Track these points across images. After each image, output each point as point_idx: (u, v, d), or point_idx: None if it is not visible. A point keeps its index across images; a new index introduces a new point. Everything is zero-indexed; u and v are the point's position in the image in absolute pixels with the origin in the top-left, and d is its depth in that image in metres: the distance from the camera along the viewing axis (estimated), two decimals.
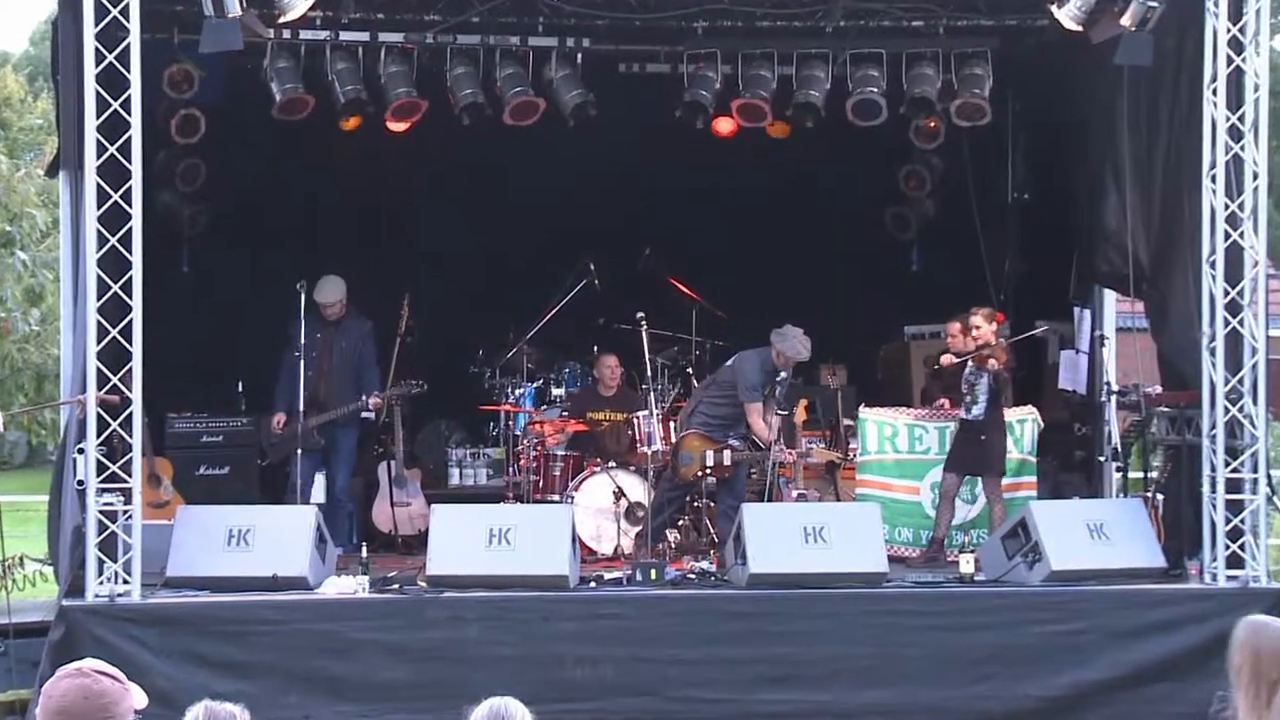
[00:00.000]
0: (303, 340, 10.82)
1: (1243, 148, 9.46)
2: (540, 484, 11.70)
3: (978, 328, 10.60)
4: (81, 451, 8.91)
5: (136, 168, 8.88)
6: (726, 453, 10.73)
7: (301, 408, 10.98)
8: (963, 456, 10.61)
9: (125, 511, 8.83)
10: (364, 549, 9.64)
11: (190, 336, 12.13)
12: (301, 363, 10.80)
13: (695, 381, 12.33)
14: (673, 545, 11.05)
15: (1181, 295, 10.08)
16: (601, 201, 13.15)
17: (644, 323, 10.86)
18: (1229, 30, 9.43)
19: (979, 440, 10.52)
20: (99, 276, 8.84)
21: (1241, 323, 9.46)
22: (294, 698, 8.69)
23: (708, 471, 10.68)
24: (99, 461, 8.82)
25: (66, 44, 9.29)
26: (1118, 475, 10.81)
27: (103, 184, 8.87)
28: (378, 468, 11.91)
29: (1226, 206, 9.48)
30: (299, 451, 10.94)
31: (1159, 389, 10.45)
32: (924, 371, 12.83)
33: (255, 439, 11.86)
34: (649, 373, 11.24)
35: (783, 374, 10.92)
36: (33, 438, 20.79)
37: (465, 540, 9.22)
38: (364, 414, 11.41)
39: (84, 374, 8.93)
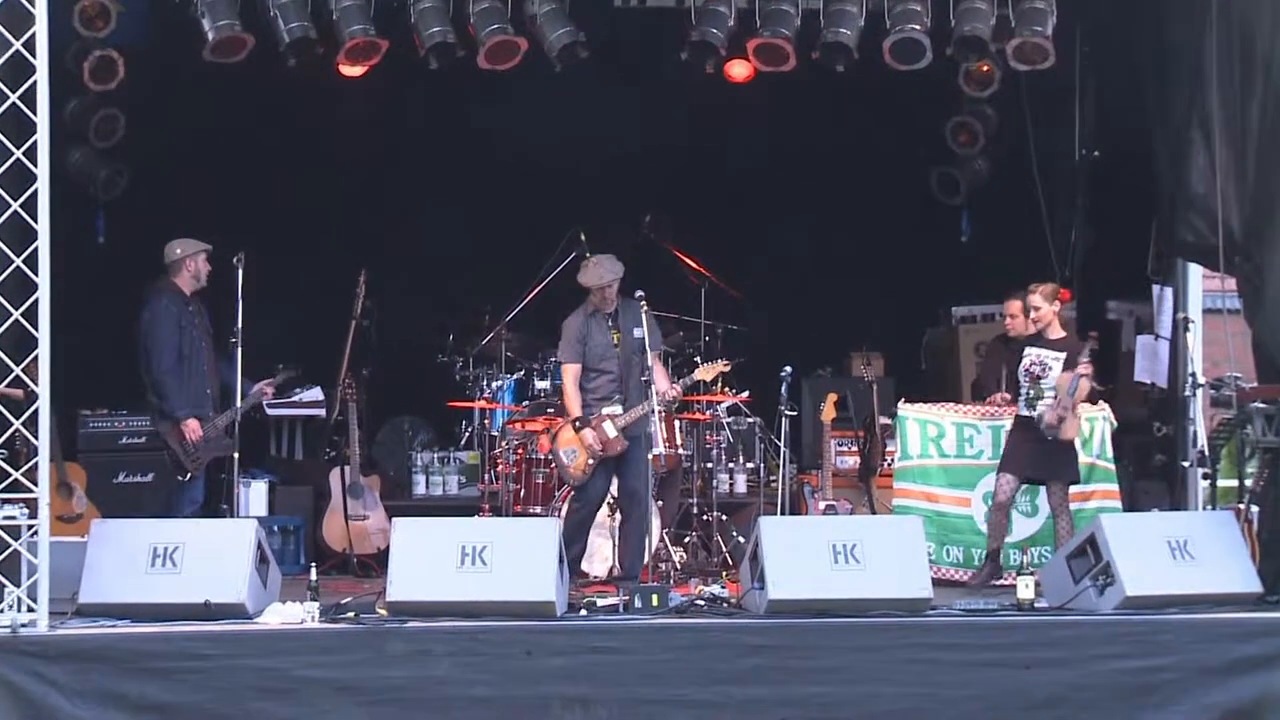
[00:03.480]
0: (239, 325, 10.76)
1: None
2: (521, 494, 11.69)
3: (1037, 308, 10.59)
4: None
5: (43, 120, 8.83)
6: (607, 424, 10.66)
7: (231, 407, 10.91)
8: (1025, 458, 10.58)
9: (30, 527, 8.78)
10: (313, 571, 9.61)
11: (107, 319, 12.09)
12: (239, 352, 10.73)
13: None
14: (678, 566, 11.04)
15: None
16: (594, 160, 13.11)
17: (644, 303, 10.83)
18: None
19: (1046, 440, 10.51)
20: None
21: None
22: None
23: (600, 456, 10.61)
24: None
25: None
26: (1205, 483, 10.78)
27: (3, 139, 8.83)
28: (329, 475, 11.89)
29: None
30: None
31: (1254, 381, 10.42)
32: (975, 360, 12.82)
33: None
34: (649, 362, 11.20)
35: (643, 304, 10.68)
36: None
37: (433, 560, 9.20)
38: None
39: None
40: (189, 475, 10.97)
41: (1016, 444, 10.66)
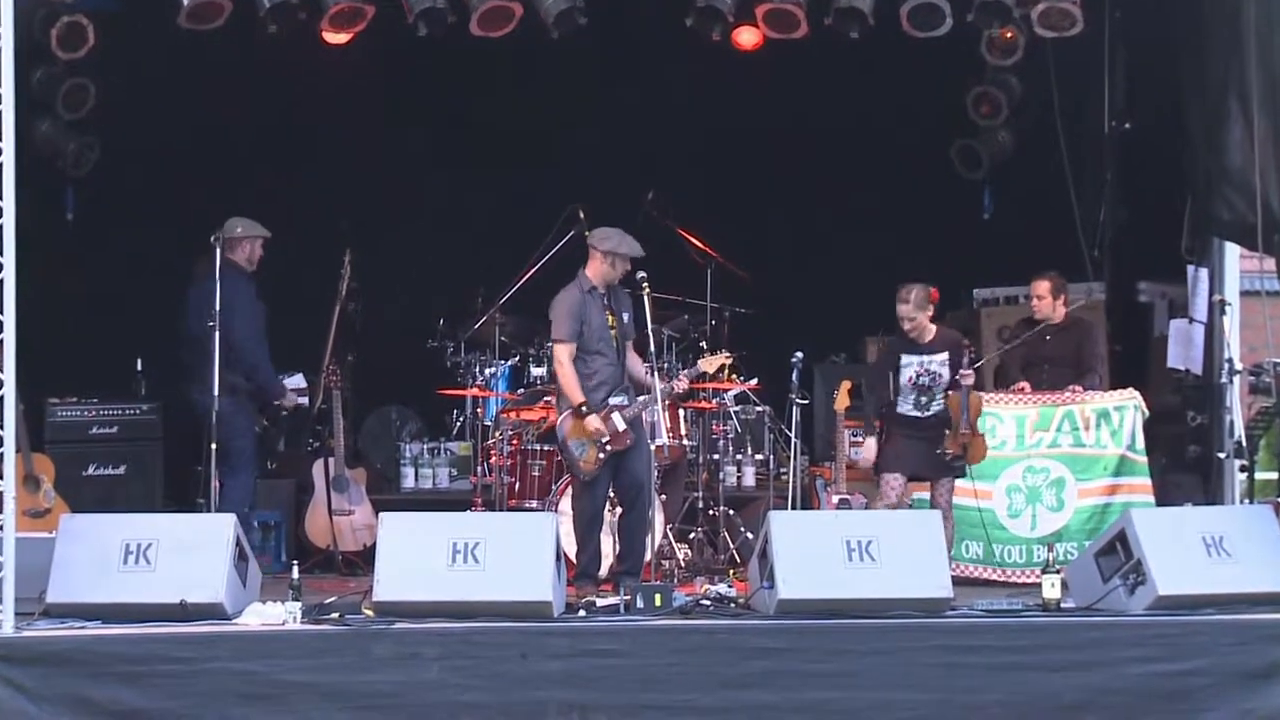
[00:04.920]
0: (217, 307, 10.77)
1: None
2: (516, 487, 11.67)
3: (912, 319, 10.47)
4: None
5: (8, 90, 8.82)
6: (615, 416, 10.54)
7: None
8: (912, 456, 10.55)
9: None
10: (295, 569, 9.61)
11: (76, 302, 12.10)
12: (217, 336, 10.74)
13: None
14: (682, 564, 11.03)
15: None
16: (593, 134, 13.10)
17: (646, 285, 10.80)
18: None
19: (932, 438, 10.52)
20: None
21: None
22: None
23: (609, 450, 10.55)
24: None
25: None
26: (1242, 476, 10.78)
27: None
28: (312, 467, 11.88)
29: None
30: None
31: None
32: (998, 345, 12.80)
33: (158, 430, 11.84)
34: (652, 347, 11.18)
35: (644, 286, 10.50)
36: None
37: (422, 558, 9.20)
38: None
39: None
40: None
41: (901, 441, 10.56)
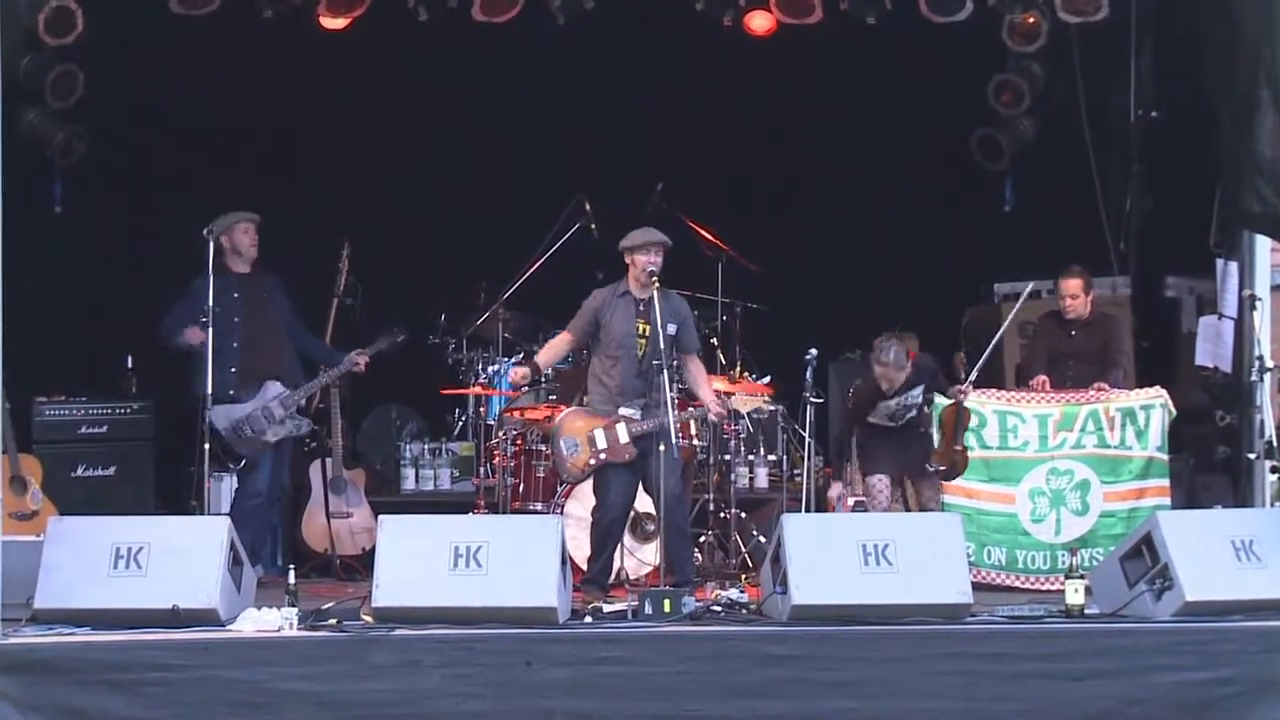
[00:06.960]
0: (210, 302, 10.79)
1: None
2: (520, 489, 11.68)
3: (890, 380, 10.63)
4: None
5: None
6: (621, 426, 10.54)
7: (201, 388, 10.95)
8: (891, 455, 10.81)
9: None
10: (291, 573, 9.63)
11: (64, 297, 12.11)
12: (210, 331, 10.77)
13: (721, 355, 12.31)
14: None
15: None
16: (600, 122, 13.09)
17: (655, 278, 10.81)
18: None
19: (905, 435, 10.77)
20: None
21: None
22: None
23: (602, 457, 10.50)
24: None
25: None
26: (1273, 477, 10.77)
27: None
28: (308, 468, 11.90)
29: None
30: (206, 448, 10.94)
31: None
32: (1020, 342, 12.80)
33: (149, 430, 11.85)
34: (661, 344, 11.19)
35: (654, 281, 10.44)
36: None
37: (422, 562, 9.20)
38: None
39: None
40: (241, 461, 11.24)
41: (875, 443, 10.79)
